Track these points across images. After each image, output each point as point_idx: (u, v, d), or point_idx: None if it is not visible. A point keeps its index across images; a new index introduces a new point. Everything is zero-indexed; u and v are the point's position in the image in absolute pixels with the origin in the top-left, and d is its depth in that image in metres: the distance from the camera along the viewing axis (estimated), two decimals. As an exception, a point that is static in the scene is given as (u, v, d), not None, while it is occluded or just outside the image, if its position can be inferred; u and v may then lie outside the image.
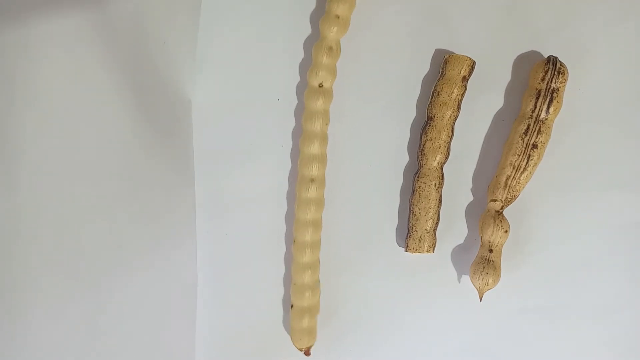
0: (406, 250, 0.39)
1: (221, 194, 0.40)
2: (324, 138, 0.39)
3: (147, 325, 0.40)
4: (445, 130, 0.38)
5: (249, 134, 0.40)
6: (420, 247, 0.38)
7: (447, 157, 0.39)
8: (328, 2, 0.38)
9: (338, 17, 0.38)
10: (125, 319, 0.39)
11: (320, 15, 0.39)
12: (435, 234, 0.39)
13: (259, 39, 0.40)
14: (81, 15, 0.39)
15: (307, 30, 0.40)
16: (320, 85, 0.38)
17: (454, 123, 0.38)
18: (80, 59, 0.39)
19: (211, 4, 0.40)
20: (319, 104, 0.38)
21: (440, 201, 0.38)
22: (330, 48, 0.38)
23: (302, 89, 0.39)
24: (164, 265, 0.40)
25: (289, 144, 0.41)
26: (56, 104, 0.39)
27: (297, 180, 0.39)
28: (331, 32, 0.38)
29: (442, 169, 0.39)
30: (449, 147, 0.38)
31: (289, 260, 0.40)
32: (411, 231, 0.38)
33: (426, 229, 0.38)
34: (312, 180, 0.38)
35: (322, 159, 0.39)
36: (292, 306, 0.39)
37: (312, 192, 0.38)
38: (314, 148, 0.38)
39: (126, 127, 0.39)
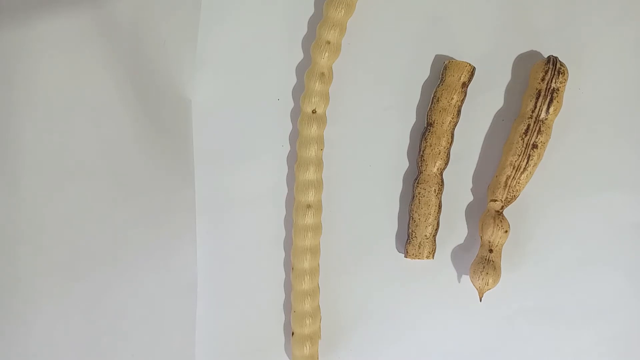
0: (406, 256, 0.39)
1: (221, 194, 0.40)
2: (319, 164, 0.39)
3: (147, 325, 0.40)
4: (445, 136, 0.38)
5: (249, 134, 0.40)
6: (420, 253, 0.38)
7: (446, 163, 0.39)
8: (318, 28, 0.38)
9: (329, 42, 0.38)
10: (125, 319, 0.40)
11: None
12: (435, 240, 0.39)
13: (259, 38, 0.40)
14: (81, 15, 0.39)
15: (307, 30, 0.40)
16: (314, 112, 0.38)
17: (453, 129, 0.39)
18: (80, 58, 0.39)
19: (211, 4, 0.40)
20: (312, 130, 0.38)
21: (440, 207, 0.39)
22: (322, 74, 0.38)
23: (302, 89, 0.39)
24: (164, 265, 0.40)
25: (289, 144, 0.41)
26: (56, 104, 0.39)
27: (293, 205, 0.39)
28: (322, 59, 0.38)
29: (441, 175, 0.39)
30: (448, 153, 0.38)
31: (289, 260, 0.40)
32: (411, 237, 0.39)
33: (426, 235, 0.38)
34: (308, 206, 0.38)
35: (318, 185, 0.39)
36: (292, 334, 0.39)
37: (309, 219, 0.38)
38: (310, 174, 0.38)
39: (126, 127, 0.39)
